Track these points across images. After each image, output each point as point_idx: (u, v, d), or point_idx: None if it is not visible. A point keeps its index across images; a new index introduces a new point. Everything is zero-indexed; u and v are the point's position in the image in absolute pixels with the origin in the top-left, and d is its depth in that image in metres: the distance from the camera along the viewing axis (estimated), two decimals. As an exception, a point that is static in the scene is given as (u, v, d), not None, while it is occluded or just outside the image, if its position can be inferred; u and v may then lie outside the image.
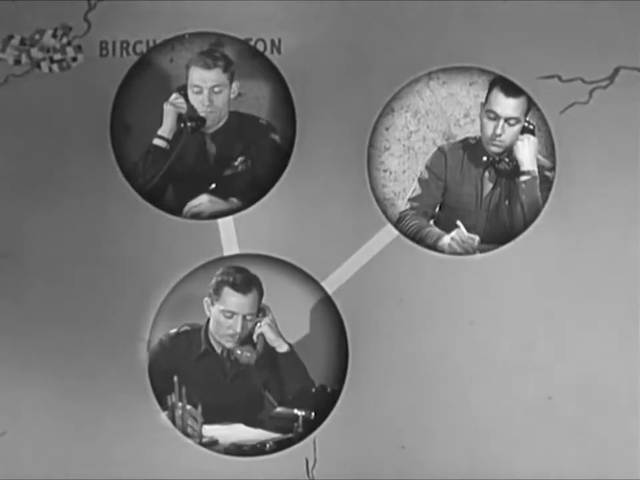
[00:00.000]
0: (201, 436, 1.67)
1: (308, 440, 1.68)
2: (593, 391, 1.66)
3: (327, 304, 1.69)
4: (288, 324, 1.68)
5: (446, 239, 1.68)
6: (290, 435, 1.68)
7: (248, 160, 1.70)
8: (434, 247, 1.69)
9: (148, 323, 1.69)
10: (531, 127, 1.67)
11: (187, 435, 1.67)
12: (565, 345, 1.67)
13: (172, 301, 1.69)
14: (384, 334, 1.69)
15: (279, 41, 1.71)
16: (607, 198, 1.67)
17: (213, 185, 1.70)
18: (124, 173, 1.71)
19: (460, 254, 1.68)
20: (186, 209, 1.70)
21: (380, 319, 1.69)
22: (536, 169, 1.67)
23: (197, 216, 1.70)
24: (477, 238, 1.68)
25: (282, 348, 1.68)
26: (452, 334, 1.68)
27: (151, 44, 1.72)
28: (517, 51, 1.69)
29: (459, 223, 1.68)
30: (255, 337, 1.68)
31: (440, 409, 1.68)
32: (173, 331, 1.69)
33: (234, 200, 1.70)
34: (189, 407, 1.67)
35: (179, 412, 1.67)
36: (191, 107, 1.70)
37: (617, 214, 1.67)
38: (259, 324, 1.67)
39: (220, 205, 1.70)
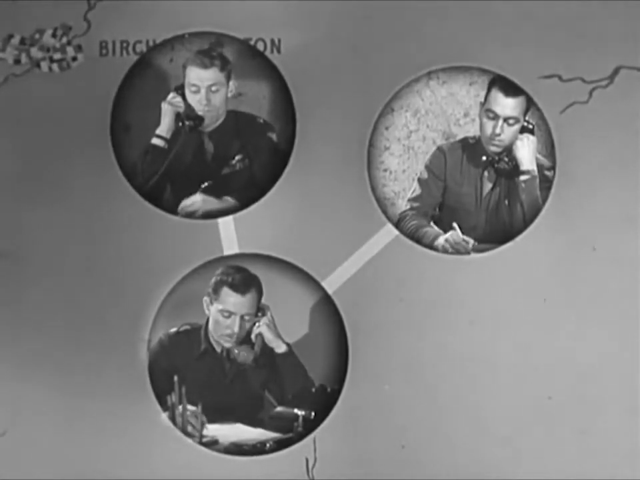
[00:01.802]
0: (202, 435, 1.67)
1: (308, 439, 1.68)
2: (592, 391, 1.66)
3: (326, 303, 1.69)
4: (288, 323, 1.68)
5: (441, 240, 1.68)
6: (290, 435, 1.68)
7: (245, 159, 1.70)
8: (430, 246, 1.69)
9: (148, 323, 1.70)
10: (530, 126, 1.67)
11: (188, 435, 1.68)
12: (565, 345, 1.67)
13: (172, 300, 1.70)
14: (384, 334, 1.69)
15: (279, 40, 1.71)
16: (606, 197, 1.67)
17: (206, 184, 1.70)
18: (124, 173, 1.71)
19: (452, 255, 1.68)
20: (180, 207, 1.70)
21: (380, 319, 1.69)
22: (535, 169, 1.67)
23: (191, 215, 1.70)
24: (471, 241, 1.68)
25: (280, 348, 1.68)
26: (452, 334, 1.68)
27: (151, 44, 1.72)
28: (516, 51, 1.69)
29: (454, 225, 1.68)
30: (253, 337, 1.68)
31: (440, 409, 1.68)
32: (173, 330, 1.69)
33: (228, 199, 1.70)
34: (193, 408, 1.67)
35: (179, 412, 1.67)
36: (188, 106, 1.70)
37: (617, 214, 1.67)
38: (257, 324, 1.67)
39: (213, 203, 1.70)
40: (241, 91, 1.71)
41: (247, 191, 1.70)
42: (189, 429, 1.67)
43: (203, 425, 1.67)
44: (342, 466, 1.68)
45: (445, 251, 1.68)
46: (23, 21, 1.73)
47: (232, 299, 1.66)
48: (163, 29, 1.72)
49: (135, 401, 1.70)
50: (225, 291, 1.67)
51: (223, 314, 1.67)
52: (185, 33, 1.71)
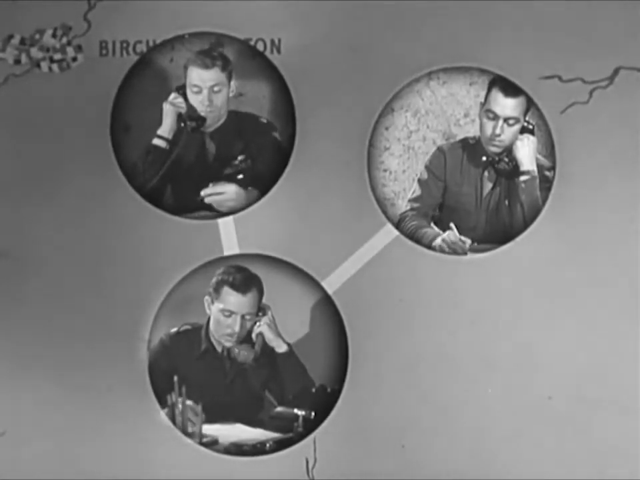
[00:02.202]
0: (201, 434, 1.67)
1: (308, 440, 1.68)
2: (593, 391, 1.66)
3: (326, 304, 1.69)
4: (288, 323, 1.68)
5: (438, 240, 1.69)
6: (290, 435, 1.68)
7: (248, 159, 1.70)
8: (429, 247, 1.69)
9: (148, 323, 1.70)
10: (530, 126, 1.67)
11: (187, 435, 1.68)
12: (564, 345, 1.67)
13: (172, 300, 1.70)
14: (384, 334, 1.69)
15: (279, 40, 1.71)
16: (607, 198, 1.67)
17: (241, 176, 1.70)
18: (124, 173, 1.71)
19: (450, 255, 1.68)
20: (205, 191, 1.70)
21: (380, 319, 1.69)
22: (535, 169, 1.67)
23: (216, 204, 1.70)
24: (468, 241, 1.68)
25: (281, 348, 1.68)
26: (452, 334, 1.68)
27: (151, 44, 1.72)
28: (517, 51, 1.69)
29: (452, 225, 1.68)
30: (253, 336, 1.68)
31: (440, 409, 1.68)
32: (174, 330, 1.69)
33: (254, 191, 1.70)
34: (189, 402, 1.67)
35: (179, 411, 1.67)
36: (190, 107, 1.70)
37: (617, 214, 1.67)
38: (258, 323, 1.67)
39: (241, 198, 1.70)
40: (241, 91, 1.71)
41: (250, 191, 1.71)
42: (189, 424, 1.67)
43: (202, 422, 1.67)
44: (342, 466, 1.68)
45: (441, 250, 1.68)
46: (23, 21, 1.73)
47: (233, 299, 1.66)
48: (163, 29, 1.72)
49: (135, 401, 1.70)
50: (226, 290, 1.67)
51: (224, 313, 1.67)
52: (185, 33, 1.71)
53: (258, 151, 1.70)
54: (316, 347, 1.68)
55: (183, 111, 1.70)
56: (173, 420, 1.68)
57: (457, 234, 1.68)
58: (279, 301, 1.68)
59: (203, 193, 1.70)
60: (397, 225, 1.69)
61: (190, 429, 1.67)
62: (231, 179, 1.71)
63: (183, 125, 1.70)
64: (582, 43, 1.68)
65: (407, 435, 1.68)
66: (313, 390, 1.68)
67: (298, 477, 1.68)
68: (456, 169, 1.70)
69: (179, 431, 1.68)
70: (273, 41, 1.71)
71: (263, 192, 1.70)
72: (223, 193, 1.70)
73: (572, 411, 1.67)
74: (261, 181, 1.70)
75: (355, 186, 1.70)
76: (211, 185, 1.70)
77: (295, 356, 1.67)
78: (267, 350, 1.68)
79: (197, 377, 1.68)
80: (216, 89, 1.69)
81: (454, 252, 1.68)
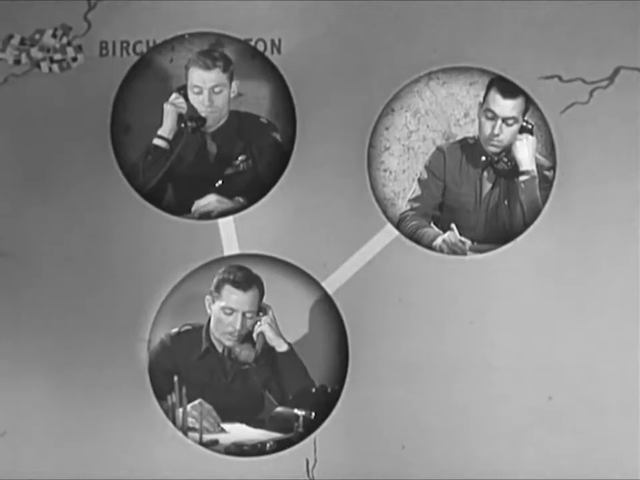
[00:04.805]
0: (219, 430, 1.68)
1: (308, 440, 1.68)
2: (592, 391, 1.66)
3: (327, 303, 1.69)
4: (288, 323, 1.68)
5: (438, 240, 1.68)
6: (290, 435, 1.68)
7: (249, 159, 1.71)
8: (429, 247, 1.69)
9: (148, 323, 1.70)
10: (529, 126, 1.67)
11: (187, 435, 1.68)
12: (564, 345, 1.67)
13: (172, 300, 1.70)
14: (384, 334, 1.69)
15: (279, 40, 1.71)
16: (606, 198, 1.67)
17: (220, 182, 1.70)
18: (124, 173, 1.71)
19: (450, 255, 1.68)
20: (194, 207, 1.70)
21: (380, 319, 1.69)
22: (535, 169, 1.67)
23: (206, 215, 1.70)
24: (468, 242, 1.68)
25: (281, 347, 1.68)
26: (451, 334, 1.68)
27: (151, 44, 1.72)
28: (517, 51, 1.69)
29: (452, 225, 1.68)
30: (254, 336, 1.68)
31: (440, 409, 1.68)
32: (174, 330, 1.69)
33: (240, 199, 1.70)
34: (208, 406, 1.67)
35: (179, 412, 1.67)
36: (191, 107, 1.70)
37: (617, 214, 1.67)
38: (259, 322, 1.67)
39: (227, 204, 1.70)
40: (241, 92, 1.71)
41: (252, 191, 1.70)
42: (206, 425, 1.67)
43: (219, 424, 1.67)
44: (342, 466, 1.68)
45: (441, 251, 1.68)
46: (23, 21, 1.73)
47: (234, 296, 1.67)
48: (163, 29, 1.72)
49: (135, 401, 1.70)
50: (227, 288, 1.67)
51: (225, 311, 1.67)
52: (185, 33, 1.71)
53: (258, 151, 1.71)
54: (316, 346, 1.68)
55: (184, 111, 1.70)
56: (173, 421, 1.68)
57: (458, 235, 1.68)
58: (279, 301, 1.68)
59: (193, 208, 1.71)
60: (397, 225, 1.69)
61: (207, 426, 1.68)
62: (204, 188, 1.71)
63: (183, 125, 1.70)
64: (582, 43, 1.68)
65: (407, 435, 1.68)
66: (313, 390, 1.68)
67: (298, 476, 1.68)
68: (455, 168, 1.70)
69: (179, 431, 1.68)
70: (273, 41, 1.71)
71: (249, 201, 1.71)
72: (206, 204, 1.71)
73: (572, 411, 1.66)
74: (254, 186, 1.71)
75: (354, 186, 1.70)
76: (196, 201, 1.71)
77: (295, 355, 1.67)
78: (268, 349, 1.68)
79: (197, 377, 1.68)
80: (217, 89, 1.69)
81: (453, 252, 1.68)
